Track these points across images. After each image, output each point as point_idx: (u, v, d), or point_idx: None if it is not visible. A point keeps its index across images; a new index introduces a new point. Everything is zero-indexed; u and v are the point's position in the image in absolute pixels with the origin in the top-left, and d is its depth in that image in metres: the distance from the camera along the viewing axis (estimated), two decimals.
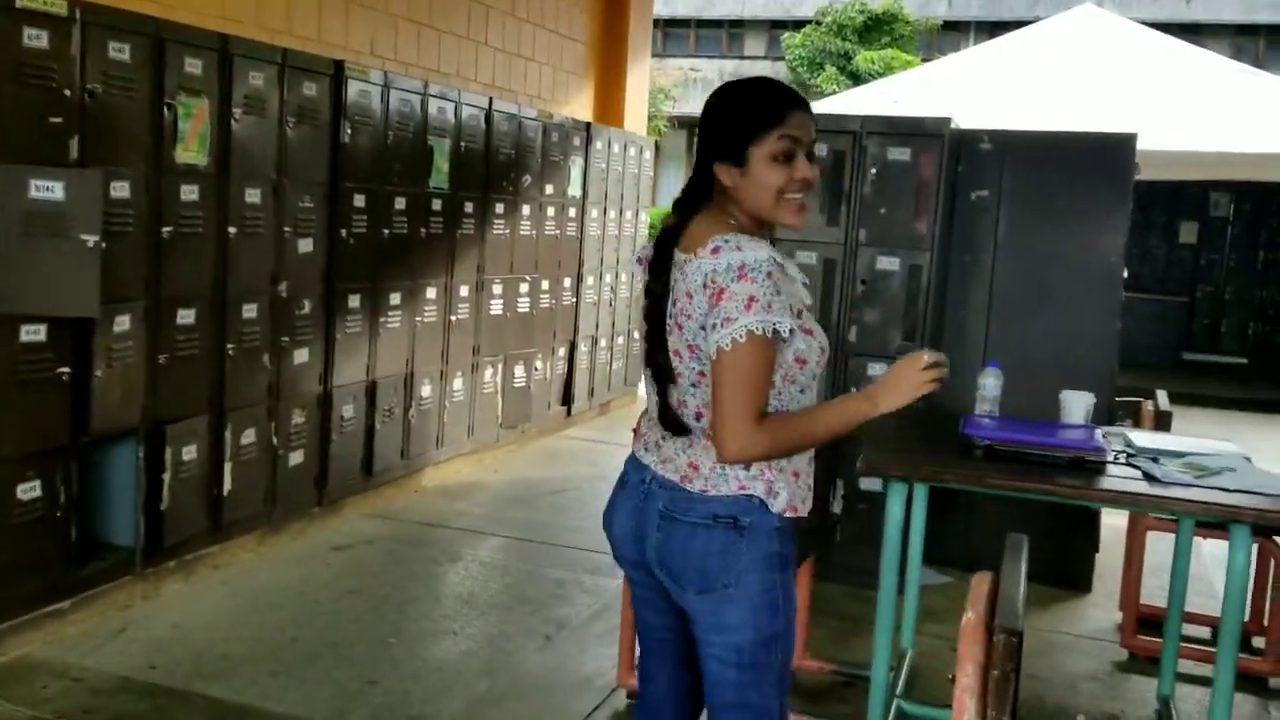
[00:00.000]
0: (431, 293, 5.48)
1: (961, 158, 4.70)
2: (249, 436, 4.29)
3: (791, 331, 1.85)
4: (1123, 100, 8.81)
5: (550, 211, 6.67)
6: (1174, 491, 2.72)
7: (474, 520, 5.13)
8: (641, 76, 8.74)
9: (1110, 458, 2.99)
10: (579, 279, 7.17)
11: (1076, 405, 3.22)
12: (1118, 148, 4.57)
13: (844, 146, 4.56)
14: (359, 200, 4.86)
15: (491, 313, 6.07)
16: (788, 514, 1.96)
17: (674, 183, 29.86)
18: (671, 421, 1.96)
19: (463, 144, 5.63)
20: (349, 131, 4.74)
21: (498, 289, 6.10)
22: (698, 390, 1.92)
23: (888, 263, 4.53)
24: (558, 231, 6.79)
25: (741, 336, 1.80)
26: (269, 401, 4.41)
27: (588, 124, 7.14)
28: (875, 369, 4.55)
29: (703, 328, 1.86)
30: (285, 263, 4.44)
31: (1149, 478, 2.85)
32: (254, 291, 4.29)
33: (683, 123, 26.61)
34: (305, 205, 4.54)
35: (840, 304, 4.58)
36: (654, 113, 23.91)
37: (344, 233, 4.77)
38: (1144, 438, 3.31)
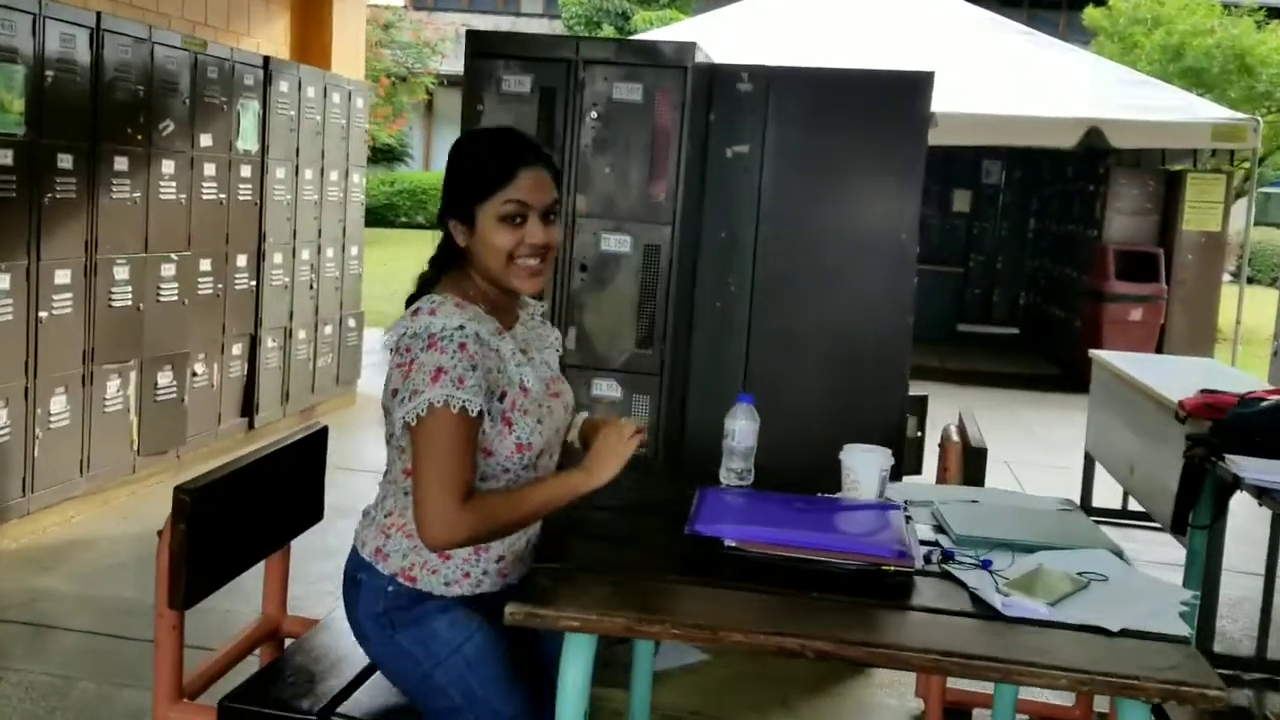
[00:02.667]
0: (2, 282, 3.93)
1: (714, 102, 3.54)
2: None
3: (483, 414, 1.77)
4: (900, 59, 8.01)
5: (210, 170, 5.16)
6: (1027, 649, 1.61)
7: (55, 605, 3.64)
8: (356, 8, 7.25)
9: (920, 562, 1.87)
10: (260, 256, 5.68)
11: (865, 471, 2.10)
12: (910, 90, 3.51)
13: (554, 81, 3.31)
14: None
15: (114, 305, 4.54)
16: (402, 580, 1.85)
17: (448, 145, 28.07)
18: None
19: (50, 74, 4.08)
20: None
21: (122, 273, 4.57)
22: (388, 453, 1.90)
23: (616, 242, 3.34)
24: (222, 196, 5.28)
25: (423, 410, 1.72)
26: None
27: (265, 59, 5.63)
28: (601, 386, 3.35)
29: (394, 392, 1.78)
30: None
31: (982, 607, 1.74)
32: None
33: (453, 81, 24.92)
34: None
35: (554, 298, 3.36)
36: (421, 69, 22.20)
37: None
38: (957, 507, 2.23)
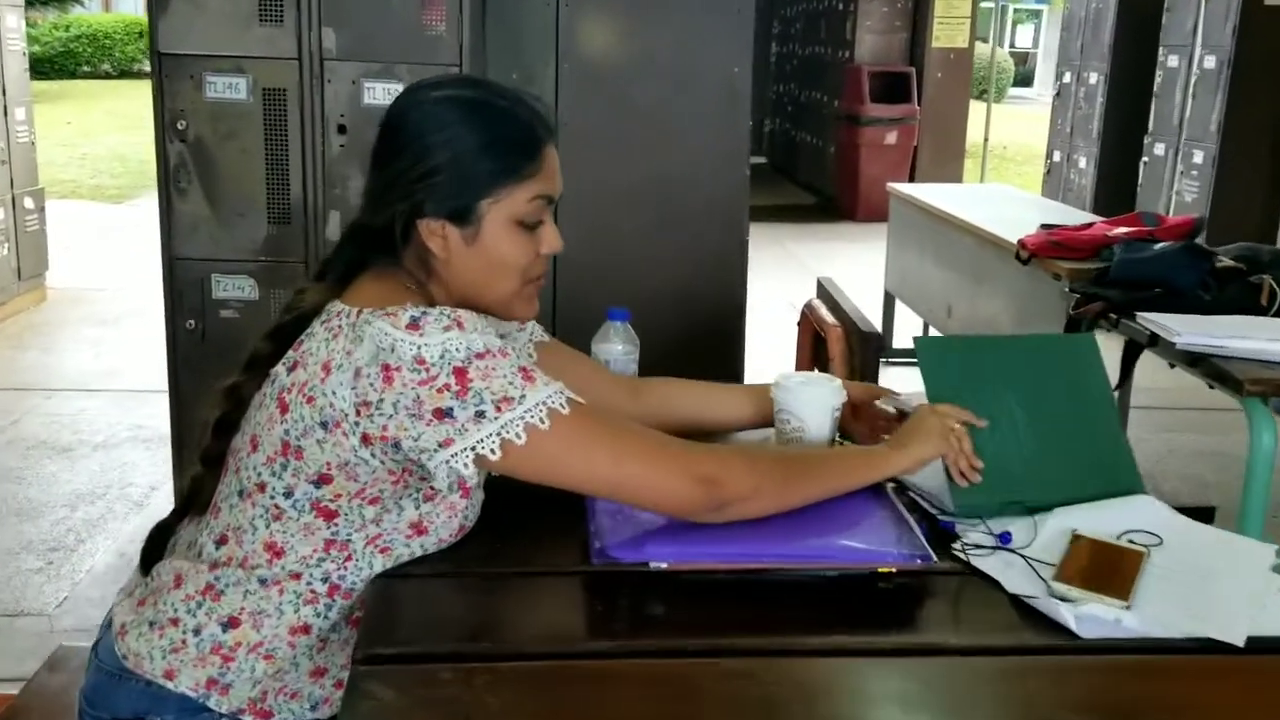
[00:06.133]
0: None
1: None
2: None
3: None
4: None
5: None
6: (1159, 708, 1.08)
7: None
8: None
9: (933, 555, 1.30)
10: None
11: (812, 413, 1.47)
12: None
13: None
14: None
15: None
16: (250, 716, 1.25)
17: None
18: (151, 553, 1.34)
19: None
20: None
21: None
22: (239, 506, 1.25)
23: (384, 91, 2.51)
24: None
25: (542, 419, 1.17)
26: None
27: None
28: None
29: (324, 424, 1.18)
30: None
31: (1037, 624, 1.20)
32: None
33: None
34: None
35: (306, 171, 2.52)
36: None
37: None
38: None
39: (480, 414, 1.16)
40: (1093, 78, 6.85)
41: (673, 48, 2.88)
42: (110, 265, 6.62)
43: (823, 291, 2.75)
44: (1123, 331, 2.59)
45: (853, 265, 7.54)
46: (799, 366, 2.74)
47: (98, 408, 4.30)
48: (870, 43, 10.01)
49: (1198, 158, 5.58)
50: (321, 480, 1.21)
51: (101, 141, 11.49)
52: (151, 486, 3.58)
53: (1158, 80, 5.99)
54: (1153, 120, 6.07)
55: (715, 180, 2.94)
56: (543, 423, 1.17)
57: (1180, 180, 5.70)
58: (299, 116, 2.46)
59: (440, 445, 1.16)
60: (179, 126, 2.40)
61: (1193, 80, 5.64)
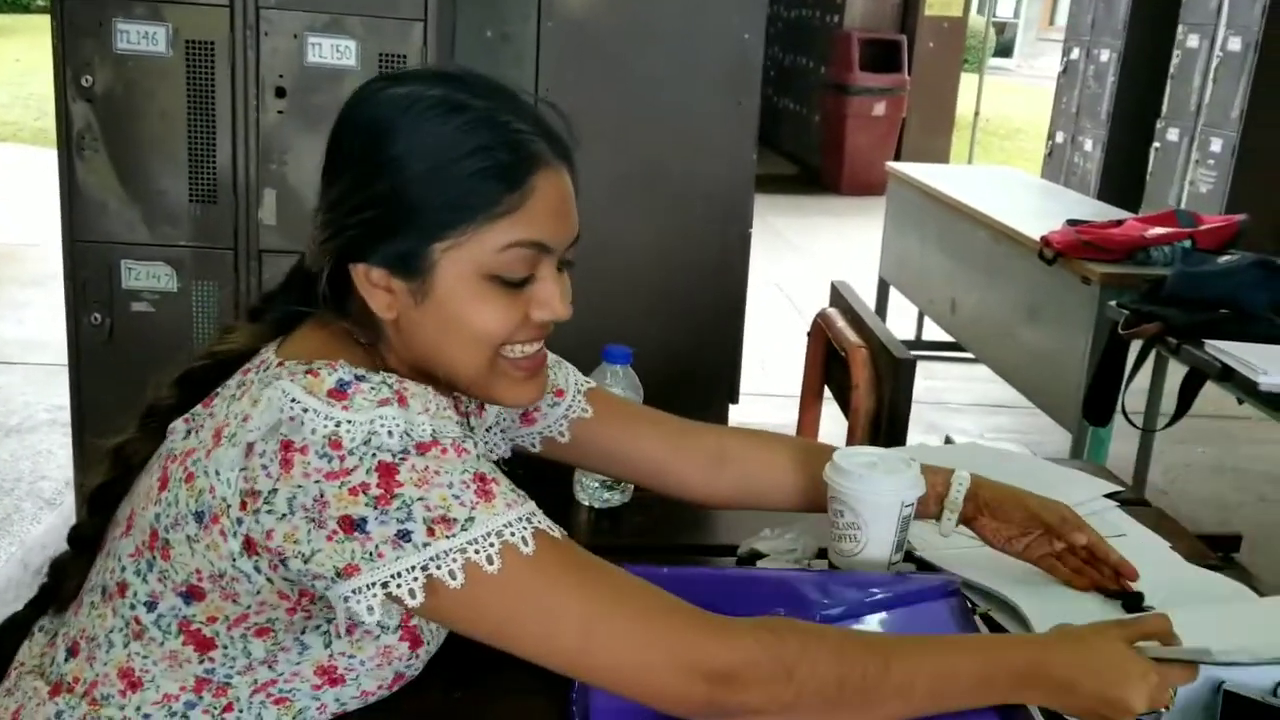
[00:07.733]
0: None
1: None
2: None
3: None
4: None
5: None
6: None
7: None
8: None
9: None
10: None
11: (876, 512, 1.12)
12: None
13: None
14: None
15: None
16: None
17: None
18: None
19: None
20: None
21: None
22: (99, 609, 0.92)
23: (332, 49, 2.11)
24: None
25: (490, 556, 0.82)
26: None
27: None
28: None
29: (199, 516, 0.85)
30: None
31: None
32: None
33: None
34: None
35: (237, 140, 2.12)
36: None
37: None
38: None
39: (404, 535, 0.80)
40: (1104, 55, 6.49)
41: (675, 7, 2.49)
42: (47, 218, 6.14)
43: (838, 298, 2.40)
44: (1184, 359, 2.25)
45: (840, 242, 7.20)
46: (806, 386, 2.39)
47: (15, 384, 3.88)
48: (861, 8, 9.66)
49: (1216, 146, 5.25)
50: (191, 594, 0.87)
51: (50, 80, 10.89)
52: (66, 481, 3.18)
53: (1175, 61, 5.65)
54: (1167, 103, 5.73)
55: (717, 166, 2.57)
56: (490, 562, 0.82)
57: (1195, 169, 5.37)
58: (229, 75, 2.05)
59: (340, 574, 0.81)
60: (83, 83, 2.00)
61: (1214, 63, 5.29)
